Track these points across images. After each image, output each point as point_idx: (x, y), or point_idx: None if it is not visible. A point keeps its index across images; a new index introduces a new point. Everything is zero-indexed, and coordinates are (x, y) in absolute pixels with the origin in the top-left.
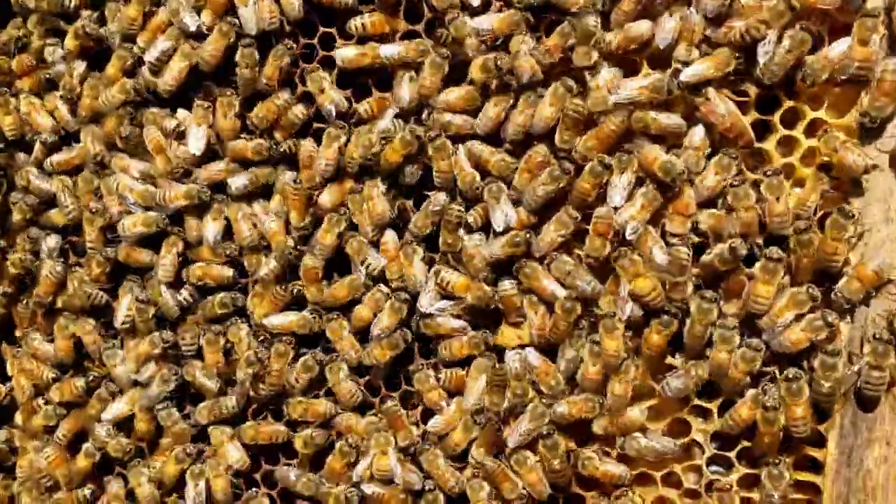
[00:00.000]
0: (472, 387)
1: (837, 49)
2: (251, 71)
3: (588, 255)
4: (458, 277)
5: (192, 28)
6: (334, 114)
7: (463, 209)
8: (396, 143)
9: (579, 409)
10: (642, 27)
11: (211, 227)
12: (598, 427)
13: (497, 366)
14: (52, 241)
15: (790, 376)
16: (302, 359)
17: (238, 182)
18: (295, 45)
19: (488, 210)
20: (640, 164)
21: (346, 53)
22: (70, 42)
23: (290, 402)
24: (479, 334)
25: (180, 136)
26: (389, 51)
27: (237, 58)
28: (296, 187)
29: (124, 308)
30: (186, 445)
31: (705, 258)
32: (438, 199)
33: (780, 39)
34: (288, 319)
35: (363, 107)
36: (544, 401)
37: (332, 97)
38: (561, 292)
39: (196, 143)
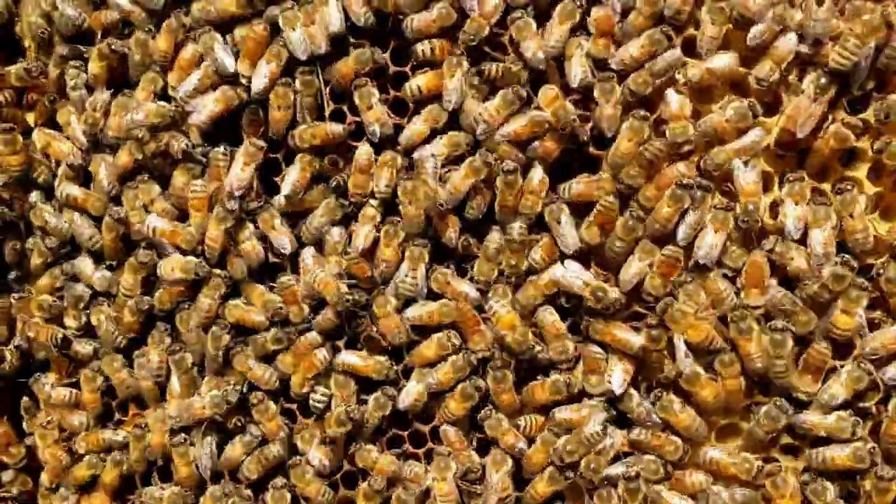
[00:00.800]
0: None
1: None
2: (313, 99)
3: (648, 293)
4: (507, 313)
5: (231, 70)
6: (378, 135)
7: (526, 229)
8: (465, 170)
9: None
10: (725, 60)
11: (252, 250)
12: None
13: (602, 429)
14: (79, 290)
15: None
16: (373, 396)
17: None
18: (382, 54)
19: (553, 235)
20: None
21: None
22: (94, 65)
23: (361, 450)
24: (562, 378)
25: None
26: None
27: (298, 86)
28: (352, 257)
29: (156, 361)
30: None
31: (808, 290)
32: (493, 238)
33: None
34: (364, 362)
35: None
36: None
37: (379, 116)
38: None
39: (234, 177)
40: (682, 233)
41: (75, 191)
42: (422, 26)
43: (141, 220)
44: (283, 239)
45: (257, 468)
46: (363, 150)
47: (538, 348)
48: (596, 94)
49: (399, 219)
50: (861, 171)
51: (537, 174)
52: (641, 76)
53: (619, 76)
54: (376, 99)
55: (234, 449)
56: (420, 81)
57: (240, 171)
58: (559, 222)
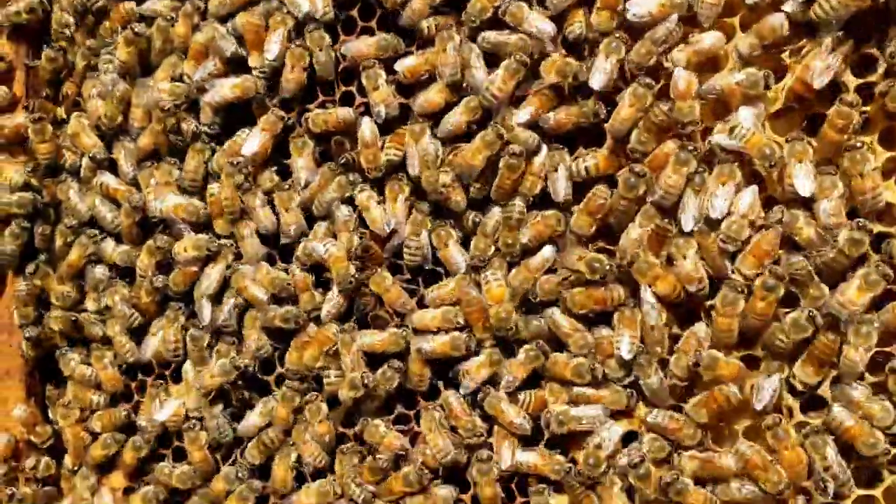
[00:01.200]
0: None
1: None
2: (325, 53)
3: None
4: (499, 287)
5: (228, 52)
6: (384, 116)
7: (525, 207)
8: (478, 142)
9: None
10: (712, 40)
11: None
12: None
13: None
14: (98, 273)
15: None
16: (380, 371)
17: (344, 211)
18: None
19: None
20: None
21: (406, 63)
22: (122, 52)
23: (369, 426)
24: (587, 363)
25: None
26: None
27: (308, 43)
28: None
29: (172, 339)
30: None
31: (825, 259)
32: (493, 214)
33: None
34: (380, 337)
35: None
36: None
37: (385, 97)
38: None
39: (251, 144)
40: (690, 220)
41: (111, 180)
42: (415, 7)
43: (157, 198)
44: (291, 225)
45: (260, 455)
46: (366, 127)
47: (517, 328)
48: (601, 47)
49: (403, 174)
50: (873, 137)
51: (539, 157)
52: (644, 46)
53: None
54: (383, 80)
55: (253, 418)
56: (402, 66)
57: (259, 134)
58: (556, 170)
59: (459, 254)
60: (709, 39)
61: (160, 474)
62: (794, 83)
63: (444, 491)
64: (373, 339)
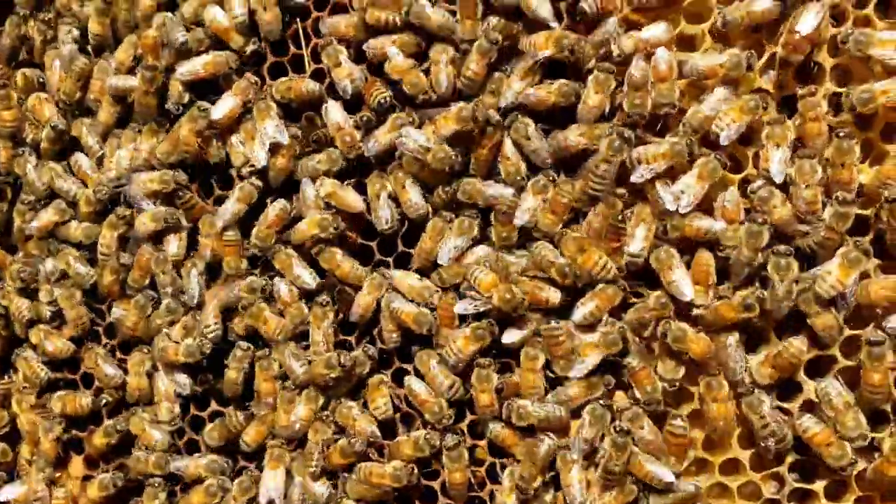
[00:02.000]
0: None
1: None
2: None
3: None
4: (487, 276)
5: (179, 40)
6: (350, 91)
7: (517, 200)
8: (451, 115)
9: None
10: (659, 31)
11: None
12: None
13: None
14: (49, 266)
15: (871, 340)
16: (352, 354)
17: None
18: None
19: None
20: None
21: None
22: (94, 24)
23: (341, 406)
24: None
25: None
26: None
27: None
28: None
29: (131, 322)
30: (220, 479)
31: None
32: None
33: None
34: (361, 296)
35: None
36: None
37: (350, 72)
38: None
39: (221, 108)
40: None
41: (84, 163)
42: None
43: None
44: (261, 153)
45: (220, 437)
46: (333, 110)
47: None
48: None
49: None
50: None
51: (508, 142)
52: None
53: None
54: (344, 56)
55: (230, 372)
56: (367, 46)
57: (229, 98)
58: (528, 138)
59: (419, 195)
60: (655, 31)
61: (136, 463)
62: (786, 37)
63: None
64: (357, 300)
